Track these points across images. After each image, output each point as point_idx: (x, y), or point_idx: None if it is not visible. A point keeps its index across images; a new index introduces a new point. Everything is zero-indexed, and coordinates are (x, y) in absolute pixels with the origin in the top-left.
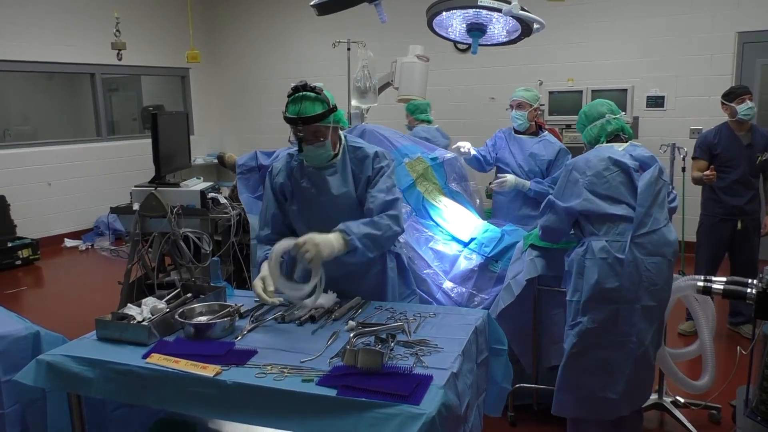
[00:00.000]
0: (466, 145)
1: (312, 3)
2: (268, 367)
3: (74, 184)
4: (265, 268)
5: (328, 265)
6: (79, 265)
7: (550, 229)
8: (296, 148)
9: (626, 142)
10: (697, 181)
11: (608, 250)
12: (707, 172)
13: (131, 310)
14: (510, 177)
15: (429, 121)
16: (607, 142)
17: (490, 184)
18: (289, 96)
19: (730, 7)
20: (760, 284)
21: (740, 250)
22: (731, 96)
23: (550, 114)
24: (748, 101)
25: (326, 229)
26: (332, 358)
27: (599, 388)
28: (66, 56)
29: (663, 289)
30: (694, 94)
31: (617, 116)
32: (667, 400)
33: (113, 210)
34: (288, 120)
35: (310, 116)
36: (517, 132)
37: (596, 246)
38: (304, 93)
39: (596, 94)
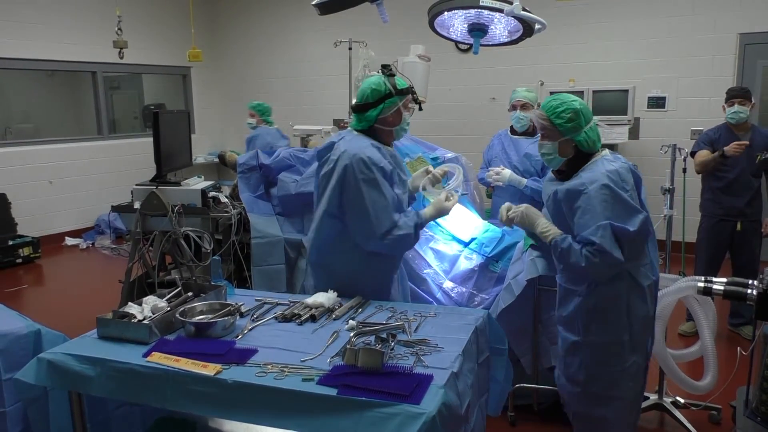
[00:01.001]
0: (503, 174)
1: (314, 2)
2: (269, 366)
3: (75, 183)
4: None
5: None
6: (79, 264)
7: (603, 270)
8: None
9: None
10: (702, 166)
11: (648, 274)
12: (734, 144)
13: (132, 308)
14: (507, 170)
15: (270, 123)
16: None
17: (486, 174)
18: (390, 72)
19: (731, 8)
20: (760, 285)
21: (740, 251)
22: (726, 97)
23: None
24: (737, 105)
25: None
26: (332, 357)
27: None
28: (68, 54)
29: None
30: (696, 95)
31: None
32: (667, 400)
33: (114, 208)
34: (404, 91)
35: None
36: (513, 133)
37: (640, 271)
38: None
39: (597, 94)
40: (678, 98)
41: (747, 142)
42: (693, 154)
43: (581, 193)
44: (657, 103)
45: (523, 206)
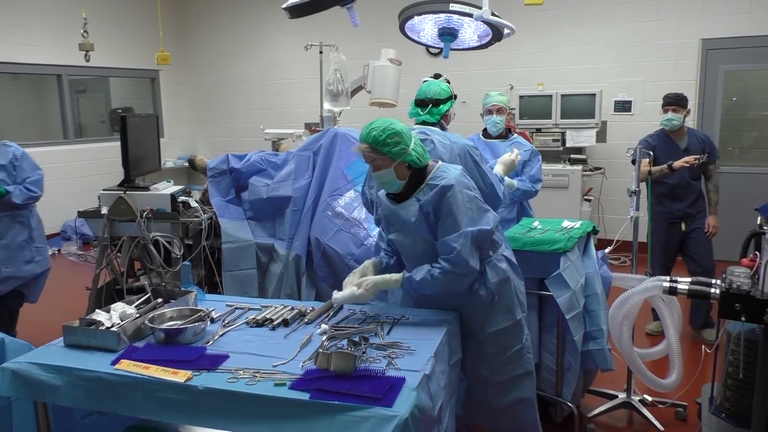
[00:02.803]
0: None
1: (284, 6)
2: (240, 372)
3: None
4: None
5: None
6: None
7: (471, 271)
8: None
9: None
10: (645, 176)
11: (508, 248)
12: (684, 160)
13: (100, 315)
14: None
15: None
16: None
17: None
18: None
19: (694, 14)
20: (723, 284)
21: (691, 252)
22: (662, 103)
23: (521, 118)
24: (671, 112)
25: None
26: (305, 361)
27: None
28: (32, 57)
29: None
30: (660, 99)
31: None
32: (635, 398)
33: (81, 214)
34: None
35: None
36: (487, 137)
37: (508, 251)
38: None
39: (566, 98)
40: (644, 102)
41: (697, 158)
42: (633, 161)
43: (444, 199)
44: (623, 106)
45: (371, 281)
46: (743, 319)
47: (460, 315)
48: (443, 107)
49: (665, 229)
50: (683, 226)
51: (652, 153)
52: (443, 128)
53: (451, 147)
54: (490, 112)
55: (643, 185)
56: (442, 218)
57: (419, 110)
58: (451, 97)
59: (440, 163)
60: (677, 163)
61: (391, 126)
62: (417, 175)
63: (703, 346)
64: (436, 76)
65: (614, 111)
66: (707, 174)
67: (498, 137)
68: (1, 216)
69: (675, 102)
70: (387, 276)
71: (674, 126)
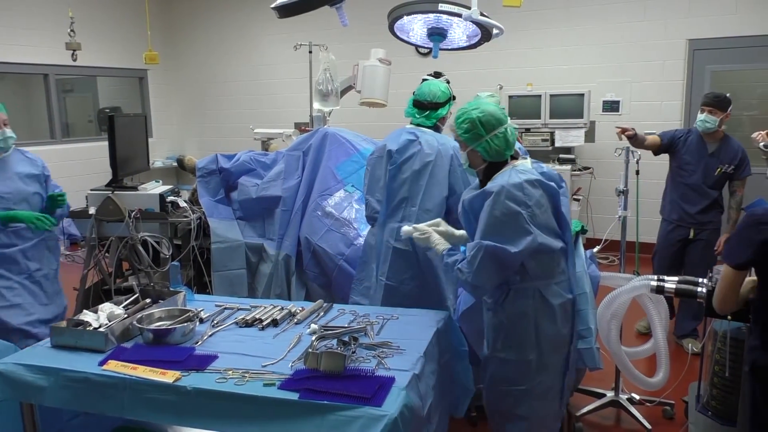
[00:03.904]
0: None
1: (273, 5)
2: (229, 372)
3: None
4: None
5: None
6: None
7: (482, 285)
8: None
9: (519, 156)
10: (653, 144)
11: (560, 292)
12: (623, 126)
13: (87, 316)
14: None
15: None
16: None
17: None
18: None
19: (681, 15)
20: (710, 283)
21: (689, 260)
22: (701, 101)
23: (510, 118)
24: (706, 113)
25: None
26: (294, 361)
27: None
28: (18, 56)
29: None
30: (647, 98)
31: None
32: (623, 397)
33: (68, 214)
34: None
35: None
36: None
37: (549, 291)
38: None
39: (554, 98)
40: (631, 102)
41: (624, 129)
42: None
43: (485, 203)
44: (611, 106)
45: (428, 232)
46: (729, 318)
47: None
48: (441, 111)
49: (673, 231)
50: (692, 233)
51: (635, 129)
52: (438, 130)
53: (439, 149)
54: None
55: (632, 184)
56: (478, 220)
57: (416, 112)
58: (450, 100)
59: (522, 162)
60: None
61: (471, 112)
62: (491, 168)
63: (690, 345)
64: (437, 75)
65: (602, 111)
66: (731, 188)
67: None
68: (35, 242)
69: (712, 103)
70: (438, 240)
71: (708, 128)
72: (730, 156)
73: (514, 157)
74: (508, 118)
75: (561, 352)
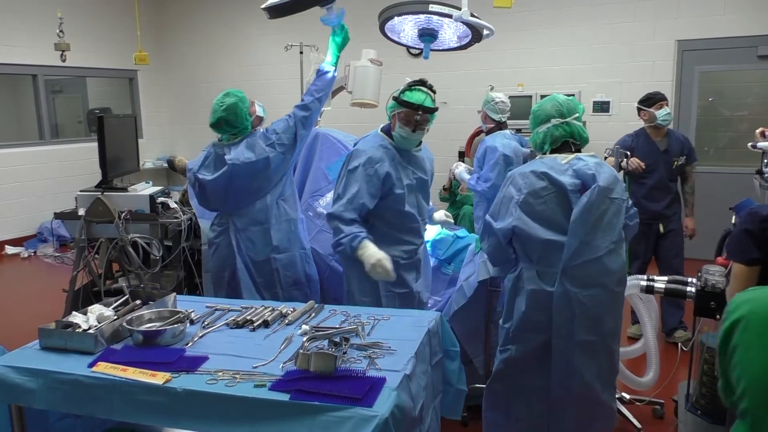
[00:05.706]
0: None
1: (263, 6)
2: (220, 374)
3: (16, 189)
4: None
5: None
6: (21, 273)
7: (493, 255)
8: (383, 138)
9: (574, 151)
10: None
11: (537, 280)
12: (633, 161)
13: (76, 318)
14: (462, 167)
15: None
16: (553, 151)
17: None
18: (411, 86)
19: (670, 16)
20: (699, 283)
21: (663, 254)
22: (650, 102)
23: None
24: (666, 107)
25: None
26: (285, 362)
27: (537, 416)
28: (6, 57)
29: (604, 321)
30: (637, 99)
31: (567, 120)
32: None
33: (57, 215)
34: (408, 105)
35: (430, 107)
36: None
37: (526, 274)
38: (426, 88)
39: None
40: (621, 102)
41: (643, 165)
42: (606, 159)
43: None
44: (602, 107)
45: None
46: (718, 317)
47: None
48: (387, 107)
49: (643, 229)
50: (661, 228)
51: (629, 153)
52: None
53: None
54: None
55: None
56: None
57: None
58: (394, 99)
59: (548, 156)
60: (632, 164)
61: (538, 103)
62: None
63: (679, 344)
64: (422, 83)
65: (593, 111)
66: (684, 176)
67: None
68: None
69: (663, 97)
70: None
71: (671, 120)
72: (679, 148)
73: (574, 150)
74: (566, 114)
75: (529, 334)
